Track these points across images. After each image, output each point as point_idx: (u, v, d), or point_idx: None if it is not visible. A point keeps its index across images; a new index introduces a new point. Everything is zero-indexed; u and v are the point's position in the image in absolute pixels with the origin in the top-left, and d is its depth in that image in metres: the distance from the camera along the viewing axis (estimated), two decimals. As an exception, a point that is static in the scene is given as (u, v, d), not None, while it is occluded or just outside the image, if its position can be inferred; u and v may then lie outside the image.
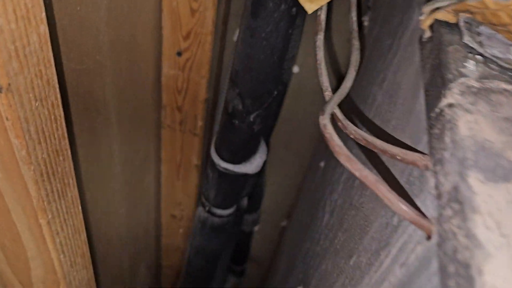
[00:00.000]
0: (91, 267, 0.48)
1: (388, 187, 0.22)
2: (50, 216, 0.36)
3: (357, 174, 0.23)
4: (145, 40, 0.62)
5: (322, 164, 0.73)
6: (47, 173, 0.34)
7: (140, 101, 0.69)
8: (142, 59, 0.64)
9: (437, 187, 0.21)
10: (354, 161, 0.23)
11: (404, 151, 0.25)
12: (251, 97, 0.51)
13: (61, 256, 0.40)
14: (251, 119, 0.54)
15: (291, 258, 0.77)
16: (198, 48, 0.66)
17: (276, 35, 0.46)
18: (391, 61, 0.37)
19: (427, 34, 0.28)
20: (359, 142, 0.26)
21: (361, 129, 0.27)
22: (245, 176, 0.62)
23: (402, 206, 0.21)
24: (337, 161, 0.47)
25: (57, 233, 0.38)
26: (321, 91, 0.33)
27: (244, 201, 0.81)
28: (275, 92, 0.58)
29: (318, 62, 0.34)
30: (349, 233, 0.38)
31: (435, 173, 0.22)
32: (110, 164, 0.66)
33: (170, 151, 0.81)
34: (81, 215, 0.42)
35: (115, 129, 0.64)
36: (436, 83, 0.26)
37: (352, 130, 0.26)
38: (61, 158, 0.35)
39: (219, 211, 0.70)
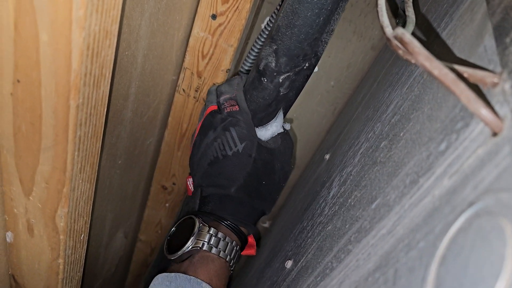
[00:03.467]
0: (94, 184, 0.46)
1: (466, 85, 0.22)
2: (81, 100, 0.35)
3: (435, 72, 0.23)
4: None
5: (327, 156, 0.73)
6: (93, 49, 0.33)
7: (163, 58, 0.69)
8: (179, 11, 0.65)
9: (513, 86, 0.22)
10: (434, 60, 0.23)
11: (472, 69, 0.25)
12: (287, 55, 0.52)
13: (76, 153, 0.39)
14: (280, 80, 0.54)
15: (275, 246, 0.76)
16: (234, 14, 0.66)
17: (328, -5, 0.47)
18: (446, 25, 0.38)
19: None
20: (422, 61, 0.27)
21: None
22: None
23: (479, 102, 0.22)
24: (356, 138, 0.47)
25: (80, 125, 0.37)
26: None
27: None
28: (307, 63, 0.58)
29: (379, 7, 0.35)
30: (371, 186, 0.38)
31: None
32: (123, 107, 0.65)
33: (178, 117, 0.80)
34: (103, 119, 0.41)
35: (138, 70, 0.63)
36: (509, 17, 0.26)
37: (419, 49, 0.26)
38: (107, 42, 0.34)
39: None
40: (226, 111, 0.59)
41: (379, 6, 0.35)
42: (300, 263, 0.51)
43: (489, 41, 0.28)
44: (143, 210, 1.01)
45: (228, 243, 0.56)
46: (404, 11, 0.57)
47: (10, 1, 0.31)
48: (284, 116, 0.64)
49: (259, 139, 0.58)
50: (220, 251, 0.56)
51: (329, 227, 0.45)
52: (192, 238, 0.55)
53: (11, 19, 0.32)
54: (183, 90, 0.75)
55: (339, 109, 0.88)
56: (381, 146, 0.41)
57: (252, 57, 0.71)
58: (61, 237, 0.47)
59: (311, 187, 0.73)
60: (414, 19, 0.39)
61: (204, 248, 0.55)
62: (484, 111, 0.21)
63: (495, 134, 0.21)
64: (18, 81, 0.35)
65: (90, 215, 0.50)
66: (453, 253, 0.20)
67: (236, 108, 0.58)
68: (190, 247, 0.55)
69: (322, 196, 0.58)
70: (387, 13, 0.37)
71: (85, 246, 0.54)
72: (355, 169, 0.47)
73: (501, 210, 0.18)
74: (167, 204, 0.95)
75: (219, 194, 0.59)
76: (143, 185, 0.92)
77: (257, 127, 0.60)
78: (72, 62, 0.33)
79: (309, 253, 0.49)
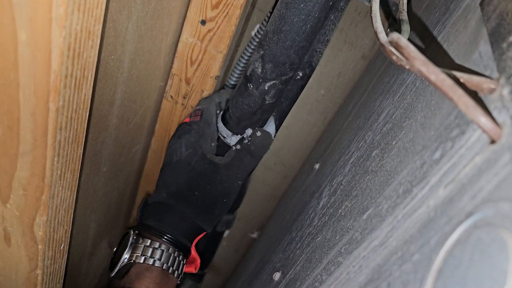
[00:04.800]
0: (75, 191, 0.44)
1: (463, 91, 0.21)
2: (61, 103, 0.34)
3: (432, 77, 0.22)
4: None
5: (317, 166, 0.72)
6: (74, 50, 0.32)
7: (151, 63, 0.68)
8: (167, 16, 0.63)
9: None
10: (431, 65, 0.22)
11: (468, 74, 0.24)
12: (273, 61, 0.51)
13: (55, 159, 0.37)
14: (266, 87, 0.53)
15: (263, 258, 0.75)
16: (224, 20, 0.65)
17: (315, 1, 0.46)
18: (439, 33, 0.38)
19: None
20: (418, 66, 0.26)
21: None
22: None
23: (477, 109, 0.21)
24: (346, 147, 0.46)
25: (61, 129, 0.36)
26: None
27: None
28: (300, 73, 0.57)
29: (373, 13, 0.34)
30: (362, 196, 0.37)
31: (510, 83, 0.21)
32: (108, 113, 0.64)
33: (166, 124, 0.78)
34: (85, 124, 0.39)
35: (124, 75, 0.62)
36: (505, 23, 0.26)
37: (415, 54, 0.25)
38: (90, 42, 0.33)
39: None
40: (190, 120, 0.60)
41: (373, 12, 0.34)
42: (288, 275, 0.49)
43: (484, 47, 0.27)
44: (129, 219, 0.98)
45: (163, 251, 0.56)
46: (395, 19, 0.57)
47: (-13, -2, 0.30)
48: (278, 127, 0.62)
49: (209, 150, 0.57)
50: (156, 260, 0.55)
51: (319, 238, 0.44)
52: (126, 251, 0.55)
53: (-12, 16, 0.30)
54: (171, 96, 0.74)
55: (329, 119, 0.87)
56: (372, 155, 0.40)
57: (240, 68, 0.70)
58: (40, 246, 0.45)
59: (300, 197, 0.72)
60: (409, 28, 0.38)
61: (139, 260, 0.55)
62: (484, 119, 0.20)
63: (493, 141, 0.20)
64: (-5, 82, 0.34)
65: (71, 224, 0.49)
66: (450, 267, 0.19)
67: (197, 118, 0.59)
68: (126, 260, 0.55)
69: (312, 206, 0.57)
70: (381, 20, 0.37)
71: (65, 257, 0.52)
72: (346, 179, 0.46)
73: (502, 222, 0.16)
74: (153, 213, 0.93)
75: (155, 201, 0.60)
76: (129, 193, 0.90)
77: (240, 135, 0.58)
78: (52, 63, 0.31)
79: (297, 265, 0.47)
